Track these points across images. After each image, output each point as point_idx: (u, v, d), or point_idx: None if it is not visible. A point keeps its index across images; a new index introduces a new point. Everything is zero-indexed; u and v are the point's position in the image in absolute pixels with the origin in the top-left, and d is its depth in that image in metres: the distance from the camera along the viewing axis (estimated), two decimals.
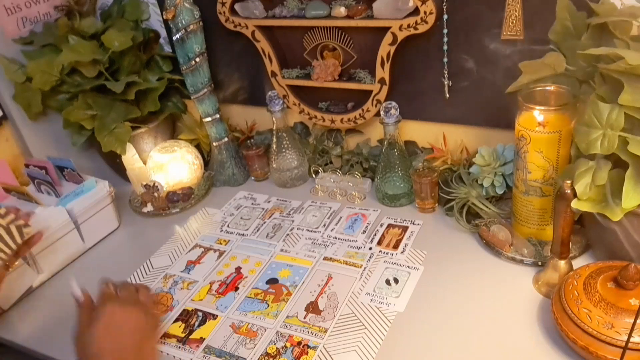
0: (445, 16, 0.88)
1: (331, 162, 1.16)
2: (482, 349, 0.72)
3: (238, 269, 0.94)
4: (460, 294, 0.81)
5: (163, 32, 1.20)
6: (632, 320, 0.62)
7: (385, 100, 1.00)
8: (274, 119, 1.11)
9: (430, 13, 0.87)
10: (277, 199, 1.13)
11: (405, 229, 0.97)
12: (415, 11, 0.89)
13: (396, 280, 0.86)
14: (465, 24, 0.89)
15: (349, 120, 1.07)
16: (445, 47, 0.91)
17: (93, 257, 1.05)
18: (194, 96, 1.14)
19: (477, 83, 0.93)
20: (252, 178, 1.22)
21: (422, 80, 0.98)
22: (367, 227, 0.99)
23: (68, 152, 1.19)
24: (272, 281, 0.90)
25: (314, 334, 0.78)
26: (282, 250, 0.97)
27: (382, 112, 0.98)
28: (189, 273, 0.95)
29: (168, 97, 1.22)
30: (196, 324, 0.84)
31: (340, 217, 1.03)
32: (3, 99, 1.13)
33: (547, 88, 0.81)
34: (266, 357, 0.76)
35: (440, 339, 0.74)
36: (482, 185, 0.93)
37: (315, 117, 1.11)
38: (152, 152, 1.17)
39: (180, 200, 1.15)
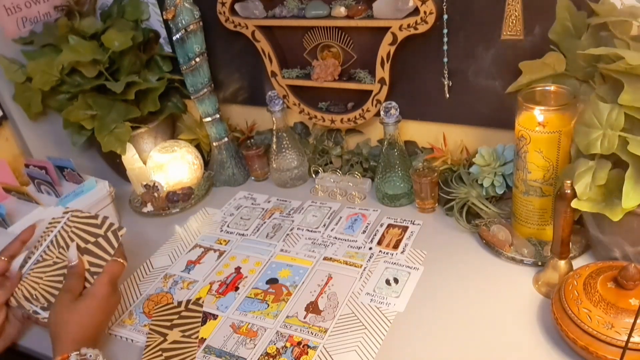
0: (445, 16, 0.88)
1: (331, 162, 1.16)
2: (482, 349, 0.72)
3: (238, 269, 0.94)
4: (460, 294, 0.81)
5: (163, 32, 1.20)
6: (632, 320, 0.62)
7: (385, 100, 1.00)
8: (274, 119, 1.11)
9: (430, 13, 0.87)
10: (277, 199, 1.13)
11: (405, 229, 0.97)
12: (415, 11, 0.89)
13: (396, 280, 0.86)
14: (465, 24, 0.89)
15: (349, 120, 1.07)
16: (445, 47, 0.91)
17: None
18: (194, 96, 1.14)
19: (477, 83, 0.93)
20: (252, 178, 1.22)
21: (422, 80, 0.98)
22: (367, 227, 0.99)
23: (68, 152, 1.19)
24: (272, 281, 0.90)
25: (314, 334, 0.78)
26: (282, 250, 0.97)
27: (382, 112, 0.98)
28: (189, 273, 0.95)
29: (168, 97, 1.22)
30: None
31: (340, 217, 1.03)
32: (3, 99, 1.13)
33: (547, 88, 0.81)
34: (266, 357, 0.76)
35: (440, 339, 0.74)
36: (482, 185, 0.93)
37: (315, 117, 1.11)
38: (152, 152, 1.16)
39: (180, 200, 1.15)
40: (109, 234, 0.85)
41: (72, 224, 0.86)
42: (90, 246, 0.84)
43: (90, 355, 0.72)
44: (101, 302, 0.77)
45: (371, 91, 1.01)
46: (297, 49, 1.08)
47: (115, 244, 0.84)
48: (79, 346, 0.72)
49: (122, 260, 0.83)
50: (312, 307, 0.83)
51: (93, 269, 0.82)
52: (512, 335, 0.73)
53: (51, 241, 0.85)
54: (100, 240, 0.84)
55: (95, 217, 0.86)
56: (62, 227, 0.86)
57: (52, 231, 0.86)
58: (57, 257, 0.84)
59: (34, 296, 0.82)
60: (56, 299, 0.78)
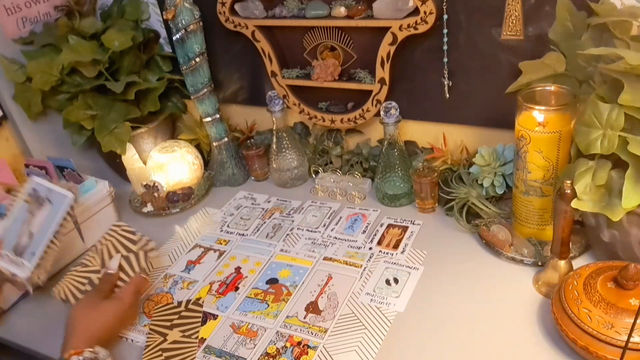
0: (445, 16, 0.88)
1: (331, 162, 1.16)
2: (482, 349, 0.72)
3: (238, 269, 0.94)
4: (460, 294, 0.81)
5: (163, 32, 1.20)
6: (632, 320, 0.62)
7: (385, 100, 1.00)
8: (274, 119, 1.11)
9: (430, 13, 0.87)
10: (277, 199, 1.13)
11: (405, 229, 0.97)
12: (415, 11, 0.89)
13: (396, 280, 0.86)
14: (465, 24, 0.89)
15: (349, 120, 1.07)
16: (445, 47, 0.91)
17: None
18: (194, 96, 1.14)
19: (477, 83, 0.93)
20: (252, 178, 1.22)
21: (422, 80, 0.98)
22: (367, 227, 0.99)
23: (68, 152, 1.19)
24: (272, 281, 0.90)
25: (314, 334, 0.78)
26: (282, 250, 0.97)
27: (382, 112, 0.98)
28: (189, 273, 0.95)
29: (168, 97, 1.22)
30: None
31: (340, 217, 1.03)
32: (3, 99, 1.13)
33: (547, 88, 0.81)
34: (266, 357, 0.76)
35: (440, 338, 0.74)
36: (482, 185, 0.93)
37: (315, 117, 1.11)
38: (152, 152, 1.17)
39: (180, 200, 1.15)
40: (140, 253, 0.87)
41: (115, 234, 0.89)
42: (121, 260, 0.87)
43: (102, 355, 0.73)
44: (124, 309, 0.81)
45: (371, 91, 1.01)
46: (297, 49, 1.08)
47: (143, 263, 0.87)
48: (93, 344, 0.73)
49: (148, 278, 0.87)
50: (312, 307, 0.83)
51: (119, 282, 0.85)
52: (512, 335, 0.73)
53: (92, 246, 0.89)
54: (131, 256, 0.87)
55: (135, 233, 0.89)
56: (104, 235, 0.89)
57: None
58: (87, 260, 0.88)
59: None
60: (85, 295, 0.83)
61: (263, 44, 1.07)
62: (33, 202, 0.88)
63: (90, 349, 0.72)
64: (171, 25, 1.08)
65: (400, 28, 0.91)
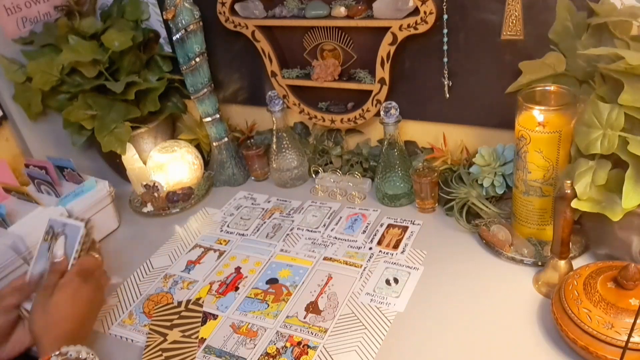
0: (445, 16, 0.88)
1: (331, 162, 1.16)
2: (482, 349, 0.72)
3: (238, 269, 0.94)
4: (460, 294, 0.81)
5: (163, 32, 1.20)
6: (632, 320, 0.62)
7: (385, 100, 1.00)
8: (274, 119, 1.11)
9: (430, 13, 0.87)
10: (277, 199, 1.13)
11: (405, 229, 0.97)
12: (415, 11, 0.89)
13: (396, 280, 0.86)
14: (465, 24, 0.89)
15: (349, 120, 1.07)
16: (445, 47, 0.91)
17: None
18: (194, 96, 1.14)
19: (477, 83, 0.93)
20: (252, 178, 1.22)
21: (422, 80, 0.98)
22: (367, 227, 0.99)
23: (68, 152, 1.19)
24: (272, 281, 0.90)
25: (314, 334, 0.78)
26: (282, 250, 0.97)
27: (382, 112, 0.98)
28: (189, 273, 0.95)
29: (168, 97, 1.22)
30: None
31: (340, 217, 1.03)
32: (3, 99, 1.13)
33: (547, 88, 0.81)
34: (266, 357, 0.76)
35: (440, 339, 0.74)
36: (482, 185, 0.93)
37: (315, 117, 1.11)
38: (152, 152, 1.17)
39: (180, 200, 1.15)
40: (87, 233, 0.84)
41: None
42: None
43: (71, 354, 0.69)
44: (70, 295, 0.75)
45: (371, 91, 1.01)
46: (297, 49, 1.08)
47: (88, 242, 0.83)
48: (59, 344, 0.69)
49: (95, 255, 0.82)
50: (312, 307, 0.83)
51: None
52: (512, 335, 0.73)
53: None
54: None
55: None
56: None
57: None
58: None
59: None
60: (34, 299, 0.76)
61: (263, 44, 1.07)
62: (50, 239, 0.84)
63: (57, 353, 0.68)
64: (171, 25, 1.08)
65: (400, 28, 0.91)
